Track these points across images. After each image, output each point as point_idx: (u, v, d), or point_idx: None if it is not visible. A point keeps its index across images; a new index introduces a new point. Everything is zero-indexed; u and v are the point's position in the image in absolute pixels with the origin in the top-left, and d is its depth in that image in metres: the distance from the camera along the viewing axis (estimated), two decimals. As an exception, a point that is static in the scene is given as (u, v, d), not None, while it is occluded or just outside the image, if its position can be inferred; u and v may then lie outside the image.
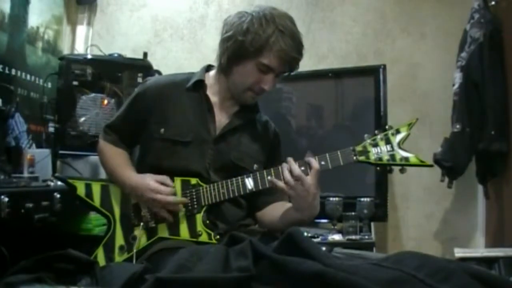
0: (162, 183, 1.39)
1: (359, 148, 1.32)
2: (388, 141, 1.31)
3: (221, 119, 1.49)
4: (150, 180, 1.39)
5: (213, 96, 1.50)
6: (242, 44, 1.36)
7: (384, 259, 0.91)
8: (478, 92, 2.31)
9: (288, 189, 1.32)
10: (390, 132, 1.32)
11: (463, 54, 2.38)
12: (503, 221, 2.33)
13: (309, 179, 1.30)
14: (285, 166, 1.33)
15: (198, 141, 1.44)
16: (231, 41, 1.39)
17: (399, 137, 1.31)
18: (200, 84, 1.49)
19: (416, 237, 2.75)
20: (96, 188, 1.48)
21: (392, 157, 1.30)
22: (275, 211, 1.49)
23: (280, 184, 1.32)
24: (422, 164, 1.31)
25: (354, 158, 1.32)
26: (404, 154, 1.30)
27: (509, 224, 2.25)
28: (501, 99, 2.28)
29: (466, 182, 2.54)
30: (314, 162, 1.31)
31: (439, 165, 2.37)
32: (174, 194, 1.39)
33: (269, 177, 1.34)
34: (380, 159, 1.31)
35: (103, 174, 1.63)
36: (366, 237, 2.27)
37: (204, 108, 1.48)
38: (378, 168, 1.36)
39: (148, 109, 1.48)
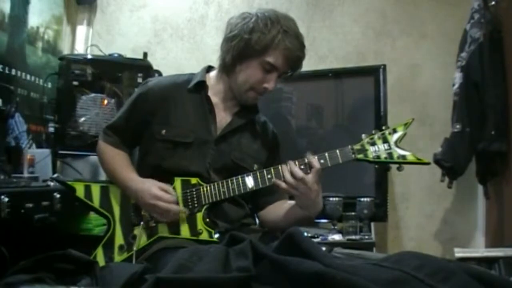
0: (165, 191, 1.39)
1: (357, 146, 1.35)
2: (385, 140, 1.34)
3: (222, 119, 1.50)
4: (153, 187, 1.39)
5: (214, 96, 1.51)
6: (248, 42, 1.38)
7: (384, 259, 0.91)
8: (478, 92, 2.31)
9: (291, 189, 1.34)
10: (387, 131, 1.35)
11: (463, 54, 2.38)
12: (503, 221, 2.33)
13: (310, 177, 1.31)
14: (285, 167, 1.34)
15: (199, 142, 1.44)
16: (237, 39, 1.40)
17: (396, 136, 1.34)
18: (201, 85, 1.50)
19: (416, 237, 2.75)
20: (96, 189, 1.48)
21: (390, 155, 1.33)
22: (277, 209, 1.50)
23: (283, 185, 1.34)
24: (419, 162, 1.33)
25: (353, 156, 1.34)
26: (402, 152, 1.33)
27: (509, 224, 2.25)
28: (501, 99, 2.27)
29: (466, 182, 2.54)
30: (315, 162, 1.32)
31: (439, 165, 2.37)
32: (176, 203, 1.39)
33: (272, 180, 1.36)
34: (378, 157, 1.34)
35: (103, 174, 1.63)
36: (366, 237, 2.27)
37: (205, 109, 1.49)
38: (376, 166, 1.38)
39: (150, 111, 1.48)
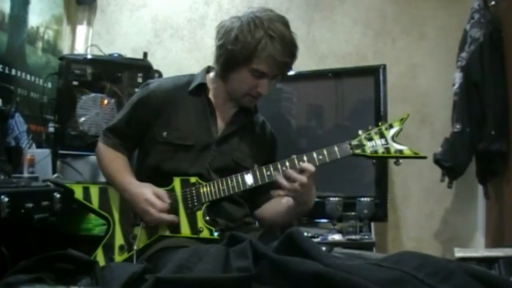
0: (160, 198, 1.39)
1: (354, 142, 1.36)
2: (382, 135, 1.36)
3: (223, 120, 1.51)
4: (148, 192, 1.40)
5: (214, 98, 1.51)
6: (232, 53, 1.38)
7: (384, 259, 0.91)
8: (478, 92, 2.31)
9: (291, 193, 1.36)
10: (383, 127, 1.37)
11: (463, 54, 2.38)
12: (503, 221, 2.33)
13: (305, 179, 1.32)
14: (279, 174, 1.35)
15: (200, 145, 1.45)
16: (222, 50, 1.41)
17: (392, 131, 1.36)
18: (202, 88, 1.50)
19: (416, 237, 2.75)
20: (94, 191, 1.48)
21: (387, 149, 1.35)
22: (275, 206, 1.52)
23: (283, 193, 1.38)
24: (416, 156, 1.34)
25: (351, 151, 1.36)
26: (398, 146, 1.35)
27: (509, 224, 2.25)
28: (501, 99, 2.28)
29: (466, 182, 2.54)
30: (309, 166, 1.33)
31: (439, 165, 2.37)
32: (167, 211, 1.39)
33: (273, 192, 1.41)
34: (376, 151, 1.35)
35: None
36: (366, 237, 2.27)
37: (206, 111, 1.49)
38: (374, 161, 1.40)
39: (152, 114, 1.48)
